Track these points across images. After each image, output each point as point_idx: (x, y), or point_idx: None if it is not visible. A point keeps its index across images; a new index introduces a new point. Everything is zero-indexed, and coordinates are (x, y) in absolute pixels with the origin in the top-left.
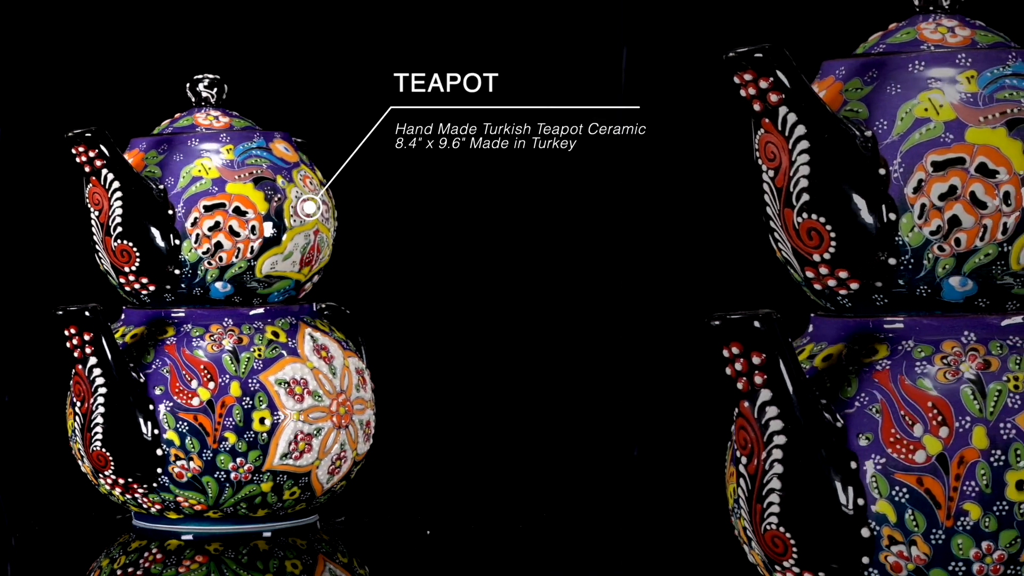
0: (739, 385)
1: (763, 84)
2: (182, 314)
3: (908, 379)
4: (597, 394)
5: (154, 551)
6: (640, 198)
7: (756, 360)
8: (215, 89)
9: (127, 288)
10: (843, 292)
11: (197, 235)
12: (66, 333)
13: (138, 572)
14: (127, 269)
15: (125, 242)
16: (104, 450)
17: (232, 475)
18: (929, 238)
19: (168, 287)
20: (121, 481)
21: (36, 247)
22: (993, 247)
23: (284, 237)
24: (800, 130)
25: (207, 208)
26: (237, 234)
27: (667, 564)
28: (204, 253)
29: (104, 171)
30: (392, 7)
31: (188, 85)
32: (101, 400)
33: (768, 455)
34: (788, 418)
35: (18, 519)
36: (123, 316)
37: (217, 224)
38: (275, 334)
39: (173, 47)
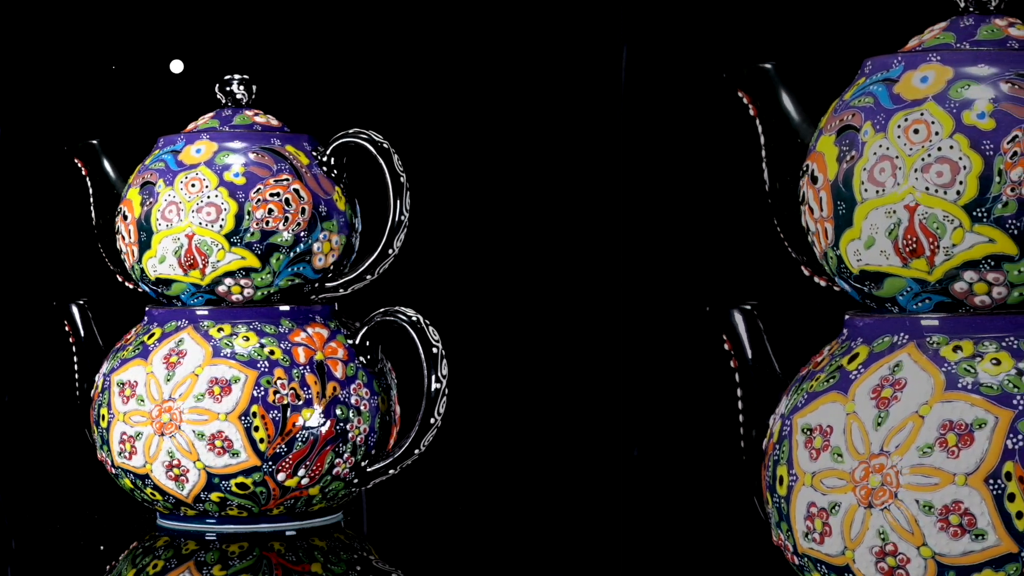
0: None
1: (745, 100)
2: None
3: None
4: (598, 394)
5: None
6: (643, 197)
7: (726, 346)
8: (238, 89)
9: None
10: (837, 290)
11: (116, 239)
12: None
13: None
14: (111, 268)
15: (98, 244)
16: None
17: (107, 467)
18: (810, 239)
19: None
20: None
21: (38, 246)
22: (831, 251)
23: (152, 240)
24: (762, 140)
25: (116, 213)
26: (124, 237)
27: (668, 564)
28: (121, 255)
29: (87, 179)
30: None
31: (218, 86)
32: (76, 385)
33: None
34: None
35: (17, 520)
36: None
37: (118, 228)
38: (150, 335)
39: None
